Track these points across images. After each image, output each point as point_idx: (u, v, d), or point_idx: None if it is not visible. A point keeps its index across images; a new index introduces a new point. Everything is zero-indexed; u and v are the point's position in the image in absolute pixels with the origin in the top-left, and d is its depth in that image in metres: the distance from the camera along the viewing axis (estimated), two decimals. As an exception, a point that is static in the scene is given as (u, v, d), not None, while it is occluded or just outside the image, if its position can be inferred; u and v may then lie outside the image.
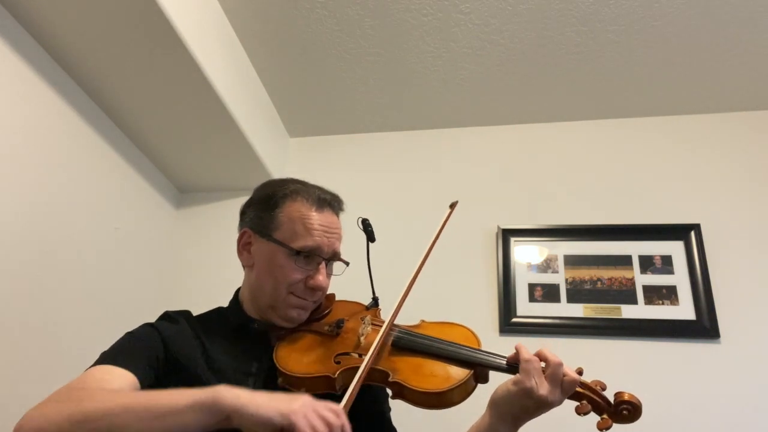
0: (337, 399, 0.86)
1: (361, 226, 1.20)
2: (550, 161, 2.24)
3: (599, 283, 1.97)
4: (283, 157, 2.45)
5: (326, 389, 0.96)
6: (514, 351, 0.96)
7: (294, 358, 1.01)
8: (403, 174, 2.34)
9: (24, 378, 1.54)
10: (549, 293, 1.98)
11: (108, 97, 1.87)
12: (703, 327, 1.82)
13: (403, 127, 2.42)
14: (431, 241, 1.15)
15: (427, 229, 2.32)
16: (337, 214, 1.15)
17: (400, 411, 1.12)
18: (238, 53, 2.02)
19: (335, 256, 1.12)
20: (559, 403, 0.92)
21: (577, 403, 0.94)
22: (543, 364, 0.93)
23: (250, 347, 1.06)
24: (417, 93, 2.22)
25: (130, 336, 1.02)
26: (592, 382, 0.97)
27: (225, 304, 1.19)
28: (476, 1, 1.81)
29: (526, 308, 1.96)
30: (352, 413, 0.82)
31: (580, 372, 0.97)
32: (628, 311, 1.90)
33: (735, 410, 1.72)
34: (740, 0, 1.73)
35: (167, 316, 1.09)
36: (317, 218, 1.09)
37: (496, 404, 0.97)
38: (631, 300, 1.91)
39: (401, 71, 2.11)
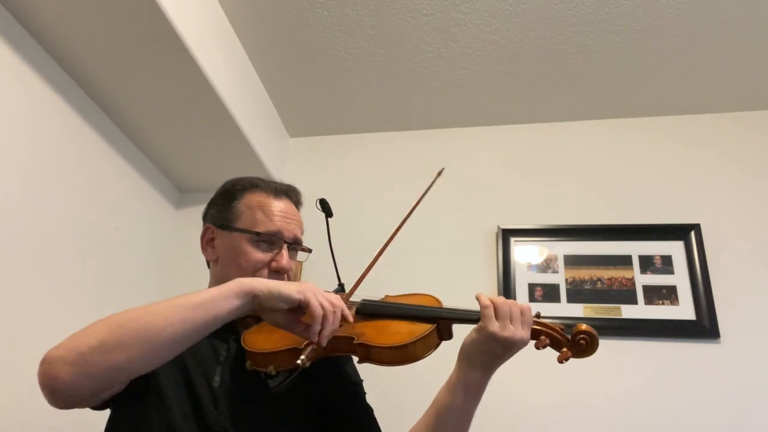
0: (306, 384, 0.95)
1: (319, 207, 1.24)
2: (551, 161, 2.24)
3: (599, 283, 1.97)
4: (283, 157, 2.45)
5: (294, 362, 0.95)
6: (476, 296, 1.00)
7: (261, 338, 1.02)
8: (403, 174, 2.33)
9: (23, 378, 1.54)
10: (549, 293, 1.98)
11: (108, 97, 1.87)
12: (703, 327, 1.82)
13: (403, 127, 2.42)
14: (412, 207, 1.17)
15: (427, 228, 2.33)
16: (296, 205, 1.18)
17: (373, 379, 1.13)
18: (238, 53, 2.02)
19: (297, 242, 1.14)
20: (525, 340, 0.95)
21: (536, 340, 0.97)
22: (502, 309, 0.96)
23: (217, 337, 1.06)
24: (417, 93, 2.22)
25: None
26: (550, 322, 1.00)
27: None
28: (476, 1, 1.81)
29: (526, 308, 1.96)
30: (328, 394, 0.89)
31: (537, 315, 1.01)
32: (628, 311, 1.90)
33: (735, 410, 1.72)
34: (740, 0, 1.74)
35: None
36: (276, 204, 1.13)
37: (464, 355, 0.99)
38: (631, 300, 1.91)
39: (401, 71, 2.11)
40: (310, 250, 1.18)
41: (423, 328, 0.97)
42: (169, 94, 1.83)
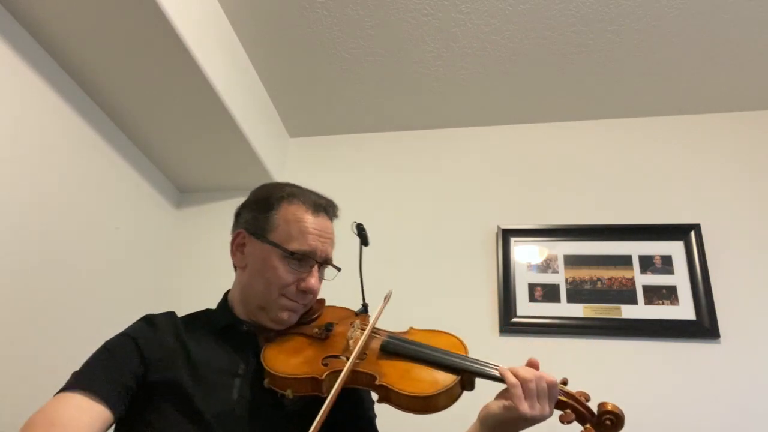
0: (323, 401, 0.87)
1: (356, 231, 1.21)
2: (550, 161, 2.24)
3: (599, 283, 1.97)
4: (283, 157, 2.45)
5: (312, 391, 0.96)
6: (500, 370, 0.97)
7: (281, 360, 1.01)
8: (403, 174, 2.34)
9: (23, 378, 1.54)
10: (549, 293, 1.98)
11: (108, 98, 1.87)
12: (703, 327, 1.82)
13: (403, 127, 2.42)
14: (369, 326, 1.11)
15: (427, 228, 2.32)
16: (332, 220, 1.15)
17: (388, 417, 1.12)
18: (238, 53, 2.02)
19: (327, 261, 1.12)
20: (550, 415, 0.94)
21: (561, 412, 0.96)
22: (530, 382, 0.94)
23: (237, 348, 1.06)
24: (417, 93, 2.22)
25: (106, 352, 1.00)
26: (576, 392, 0.98)
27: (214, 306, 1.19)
28: (476, 1, 1.81)
29: (526, 308, 1.96)
30: (338, 417, 0.82)
31: (564, 382, 0.99)
32: (628, 311, 1.90)
33: (735, 410, 1.71)
34: (740, 0, 1.74)
35: (146, 319, 1.07)
36: (313, 222, 1.09)
37: (486, 421, 0.97)
38: (631, 300, 1.91)
39: (401, 71, 2.11)
40: (339, 269, 1.15)
41: (448, 380, 0.96)
42: (169, 94, 1.83)
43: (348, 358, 0.98)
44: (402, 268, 2.12)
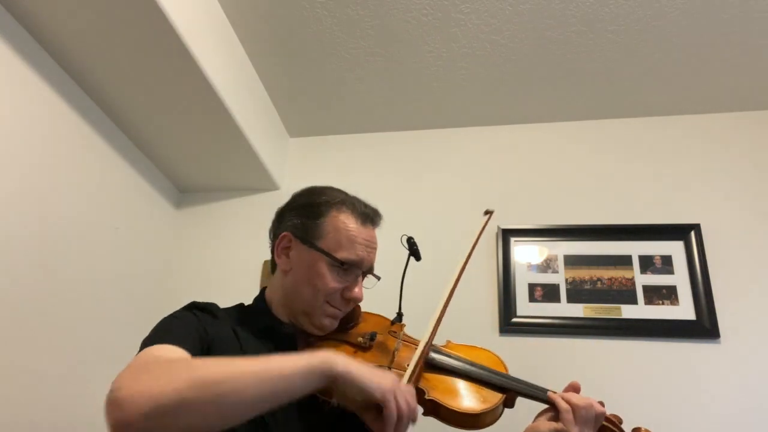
0: None
1: (407, 245, 1.25)
2: (550, 161, 2.24)
3: (599, 283, 1.97)
4: (283, 157, 2.45)
5: None
6: (549, 396, 1.06)
7: None
8: (403, 174, 2.34)
9: (24, 378, 1.54)
10: (549, 293, 1.98)
11: (108, 98, 1.87)
12: (703, 327, 1.82)
13: (404, 127, 2.42)
14: (467, 254, 1.17)
15: (427, 228, 2.33)
16: (374, 229, 1.18)
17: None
18: (238, 53, 2.02)
19: (371, 271, 1.15)
20: None
21: None
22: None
23: (278, 350, 1.05)
24: (417, 93, 2.22)
25: (173, 318, 1.01)
26: (611, 415, 1.05)
27: (225, 303, 1.18)
28: (476, 1, 1.81)
29: (526, 308, 1.96)
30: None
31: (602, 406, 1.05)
32: (628, 311, 1.90)
33: (735, 410, 1.72)
34: (740, 0, 1.74)
35: (198, 306, 1.07)
36: (361, 232, 1.11)
37: None
38: (631, 300, 1.92)
39: (401, 71, 2.11)
40: (379, 278, 1.17)
41: (494, 399, 1.00)
42: (169, 95, 1.83)
43: (403, 371, 0.98)
44: (402, 268, 2.11)
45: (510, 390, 1.02)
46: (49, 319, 1.68)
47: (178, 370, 0.79)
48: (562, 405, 1.01)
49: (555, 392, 1.06)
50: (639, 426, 1.01)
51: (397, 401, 0.83)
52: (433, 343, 1.09)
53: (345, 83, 2.19)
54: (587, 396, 1.06)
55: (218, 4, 1.86)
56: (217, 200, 2.40)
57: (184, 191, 2.44)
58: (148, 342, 0.92)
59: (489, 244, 2.11)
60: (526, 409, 1.10)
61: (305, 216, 1.13)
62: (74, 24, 1.58)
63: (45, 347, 1.66)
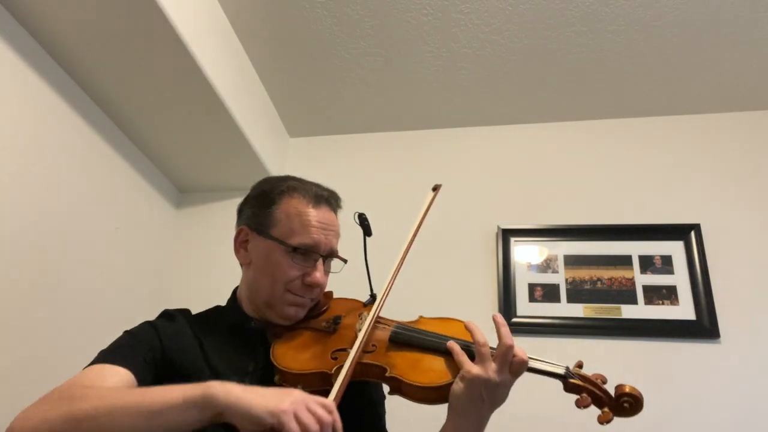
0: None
1: (358, 221, 1.19)
2: (550, 161, 2.24)
3: (599, 283, 1.97)
4: (283, 157, 2.45)
5: (322, 386, 0.95)
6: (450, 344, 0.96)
7: (290, 356, 1.00)
8: (403, 174, 2.33)
9: (24, 377, 1.54)
10: (549, 293, 1.98)
11: (108, 98, 1.87)
12: (703, 327, 1.82)
13: (403, 127, 2.42)
14: (415, 227, 1.14)
15: (427, 229, 2.32)
16: (335, 211, 1.14)
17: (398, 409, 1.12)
18: (238, 53, 2.02)
19: (332, 254, 1.11)
20: (502, 379, 0.90)
21: (578, 397, 0.93)
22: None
23: (246, 346, 1.05)
24: (417, 93, 2.22)
25: (128, 334, 1.02)
26: (592, 375, 0.96)
27: (224, 303, 1.19)
28: (476, 1, 1.81)
29: (526, 308, 1.96)
30: (346, 415, 0.81)
31: (580, 365, 0.97)
32: (628, 311, 1.90)
33: (735, 410, 1.71)
34: (740, 0, 1.74)
35: (166, 314, 1.09)
36: (314, 215, 1.08)
37: (453, 404, 0.94)
38: (631, 300, 1.91)
39: (401, 71, 2.11)
40: (345, 261, 1.13)
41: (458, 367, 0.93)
42: (169, 95, 1.83)
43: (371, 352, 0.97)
44: (402, 269, 2.11)
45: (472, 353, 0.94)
46: (49, 318, 1.68)
47: (66, 400, 0.81)
48: (455, 349, 0.93)
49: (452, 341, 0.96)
50: (623, 383, 0.94)
51: (298, 418, 0.74)
52: (403, 320, 1.06)
53: (345, 83, 2.19)
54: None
55: (218, 5, 1.86)
56: (217, 200, 2.40)
57: (184, 191, 2.44)
58: (97, 357, 0.95)
59: (489, 244, 2.11)
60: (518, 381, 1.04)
61: (258, 206, 1.11)
62: (74, 24, 1.58)
63: (45, 347, 1.66)
